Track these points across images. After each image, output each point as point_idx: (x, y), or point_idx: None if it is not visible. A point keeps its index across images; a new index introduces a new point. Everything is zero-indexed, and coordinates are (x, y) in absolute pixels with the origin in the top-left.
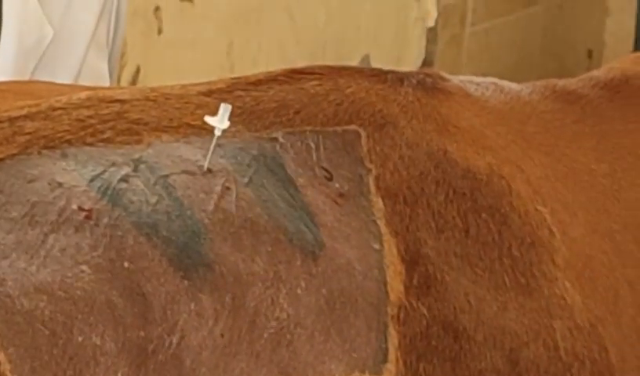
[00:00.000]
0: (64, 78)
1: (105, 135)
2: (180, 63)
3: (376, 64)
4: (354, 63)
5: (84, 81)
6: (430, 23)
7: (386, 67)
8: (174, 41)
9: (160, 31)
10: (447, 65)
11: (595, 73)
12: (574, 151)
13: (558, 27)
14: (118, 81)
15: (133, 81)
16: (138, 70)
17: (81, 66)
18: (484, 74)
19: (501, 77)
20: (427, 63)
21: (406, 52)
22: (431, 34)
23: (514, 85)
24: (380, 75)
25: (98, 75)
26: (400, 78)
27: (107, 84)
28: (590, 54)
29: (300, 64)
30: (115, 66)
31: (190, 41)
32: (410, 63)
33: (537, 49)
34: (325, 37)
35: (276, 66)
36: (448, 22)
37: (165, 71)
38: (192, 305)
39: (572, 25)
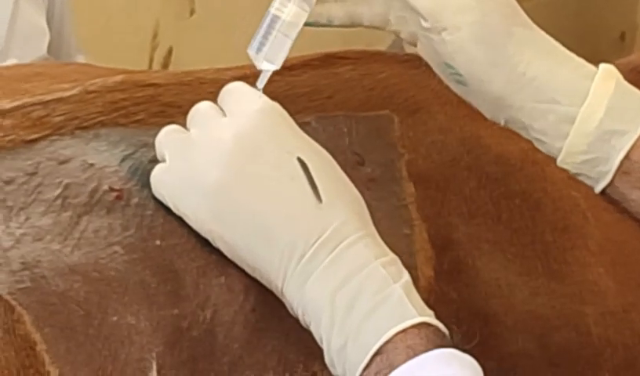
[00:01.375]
0: None
1: (138, 117)
2: (212, 45)
3: (408, 45)
4: (385, 45)
5: (20, 37)
6: None
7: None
8: (206, 22)
9: (192, 12)
10: None
11: (633, 57)
12: None
13: (591, 10)
14: (150, 62)
15: (165, 63)
16: (170, 52)
17: (11, 22)
18: None
19: None
20: None
21: None
22: None
23: None
24: (413, 61)
25: (35, 30)
26: None
27: (45, 38)
28: (623, 36)
29: (334, 48)
30: (63, 24)
31: (222, 22)
32: None
33: (569, 32)
34: None
35: (309, 49)
36: None
37: (197, 53)
38: (222, 279)
39: (604, 7)
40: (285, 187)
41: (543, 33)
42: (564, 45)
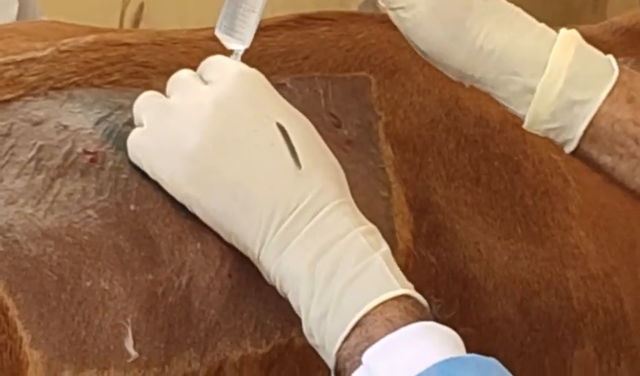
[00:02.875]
0: None
1: (113, 78)
2: (183, 2)
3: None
4: (357, 4)
5: None
6: None
7: None
8: None
9: None
10: None
11: (617, 19)
12: None
13: None
14: (122, 17)
15: (136, 19)
16: (141, 8)
17: None
18: None
19: None
20: None
21: None
22: None
23: None
24: (391, 21)
25: None
26: None
27: (15, 4)
28: None
29: (307, 9)
30: None
31: None
32: None
33: None
34: None
35: (281, 9)
36: None
37: (168, 10)
38: (198, 245)
39: None
40: (264, 152)
41: (504, 2)
42: (538, 2)
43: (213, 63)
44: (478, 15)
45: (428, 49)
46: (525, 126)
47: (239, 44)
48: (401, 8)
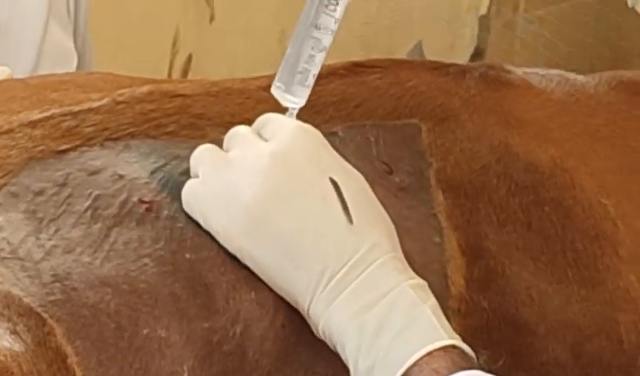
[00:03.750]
0: (24, 59)
1: (169, 129)
2: (231, 51)
3: (428, 51)
4: (406, 50)
5: (48, 59)
6: (483, 11)
7: (438, 55)
8: (226, 28)
9: (212, 19)
10: (499, 53)
11: None
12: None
13: (612, 14)
14: (170, 68)
15: (185, 69)
16: (190, 58)
17: (40, 45)
18: (536, 62)
19: (554, 66)
20: (479, 50)
21: (458, 39)
22: (484, 22)
23: (580, 77)
24: (441, 68)
25: (63, 53)
26: (462, 71)
27: (74, 61)
28: None
29: (354, 55)
30: (85, 43)
31: (242, 28)
32: (463, 50)
33: (591, 37)
34: (376, 25)
35: (330, 56)
36: (501, 9)
37: (217, 59)
38: (253, 295)
39: (625, 11)
40: (316, 207)
41: None
42: (586, 49)
43: (270, 121)
44: None
45: None
46: None
47: (295, 101)
48: None
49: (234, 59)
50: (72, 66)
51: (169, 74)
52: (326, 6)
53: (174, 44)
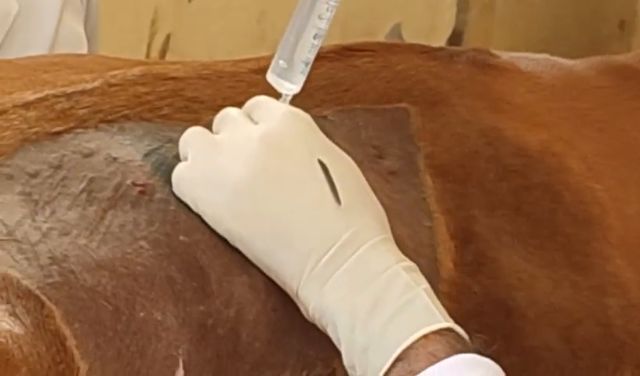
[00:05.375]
0: (39, 46)
1: (163, 112)
2: (210, 32)
3: (406, 33)
4: (384, 32)
5: (61, 46)
6: None
7: (416, 38)
8: (205, 8)
9: None
10: (478, 35)
11: None
12: (629, 127)
13: None
14: (149, 49)
15: (163, 49)
16: (168, 38)
17: (55, 32)
18: (515, 45)
19: (532, 49)
20: (457, 32)
21: (437, 21)
22: (463, 3)
23: (567, 61)
24: (431, 52)
25: (76, 39)
26: (451, 55)
27: (84, 48)
28: (622, 25)
29: (333, 38)
30: (94, 30)
31: (220, 8)
32: (441, 32)
33: (570, 20)
34: (354, 7)
35: None
36: None
37: (195, 40)
38: (245, 278)
39: None
40: (305, 188)
41: None
42: (564, 32)
43: (261, 104)
44: None
45: None
46: None
47: (291, 88)
48: None
49: (213, 39)
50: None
51: (147, 55)
52: None
53: (153, 24)
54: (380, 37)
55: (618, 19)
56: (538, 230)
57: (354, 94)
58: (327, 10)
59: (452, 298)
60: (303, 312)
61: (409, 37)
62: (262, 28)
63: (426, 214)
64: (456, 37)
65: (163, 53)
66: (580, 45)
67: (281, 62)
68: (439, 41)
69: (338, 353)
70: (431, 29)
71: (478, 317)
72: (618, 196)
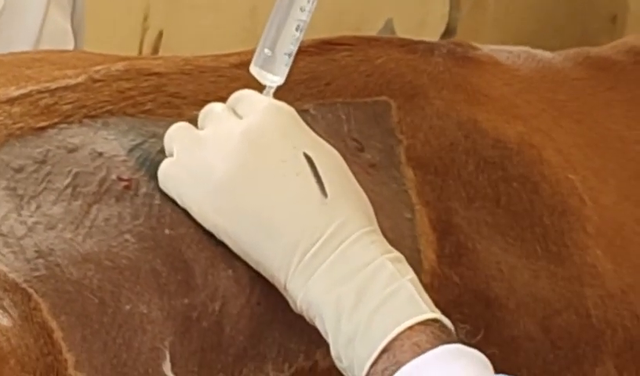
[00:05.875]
0: (24, 42)
1: (146, 107)
2: (202, 27)
3: (399, 29)
4: (377, 28)
5: (47, 42)
6: None
7: (409, 33)
8: (196, 4)
9: None
10: (470, 30)
11: (630, 39)
12: (606, 118)
13: None
14: (141, 45)
15: (156, 45)
16: (161, 35)
17: (40, 28)
18: (507, 41)
19: (525, 43)
20: (450, 28)
21: (429, 17)
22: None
23: (546, 53)
24: (409, 45)
25: (62, 35)
26: (430, 48)
27: (70, 43)
28: (614, 19)
29: (321, 33)
30: (80, 25)
31: (212, 4)
32: (434, 28)
33: (562, 15)
34: (347, 2)
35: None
36: None
37: (188, 35)
38: (230, 272)
39: None
40: (289, 182)
41: None
42: (556, 27)
43: (244, 98)
44: None
45: None
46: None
47: (274, 80)
48: None
49: (206, 35)
50: (69, 49)
51: (140, 51)
52: None
53: (145, 20)
54: (372, 33)
55: (610, 14)
56: (517, 221)
57: (334, 88)
58: (308, 2)
59: (434, 289)
60: (292, 305)
61: (402, 33)
62: (254, 23)
63: (407, 206)
64: (449, 33)
65: (156, 49)
66: (572, 41)
67: (264, 52)
68: (432, 36)
69: (320, 346)
70: (423, 25)
71: (460, 307)
72: (595, 186)
